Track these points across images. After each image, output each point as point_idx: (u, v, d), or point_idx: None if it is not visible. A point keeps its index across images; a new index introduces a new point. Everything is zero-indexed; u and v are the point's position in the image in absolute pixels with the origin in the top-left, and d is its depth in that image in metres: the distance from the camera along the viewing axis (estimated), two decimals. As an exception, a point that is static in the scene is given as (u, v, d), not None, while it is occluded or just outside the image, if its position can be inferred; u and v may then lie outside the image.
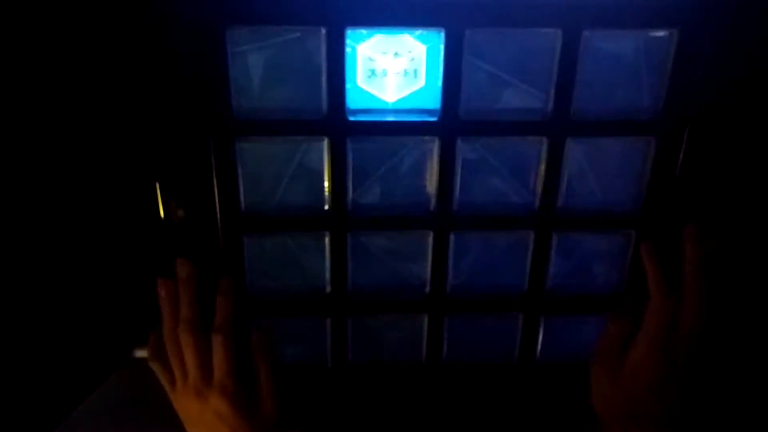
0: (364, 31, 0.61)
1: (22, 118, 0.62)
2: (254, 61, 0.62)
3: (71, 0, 0.58)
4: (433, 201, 0.67)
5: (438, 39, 0.61)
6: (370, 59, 0.62)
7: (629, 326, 0.63)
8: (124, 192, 0.66)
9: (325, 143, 0.64)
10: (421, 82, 0.63)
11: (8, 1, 0.57)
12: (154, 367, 0.67)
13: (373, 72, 0.62)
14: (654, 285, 0.62)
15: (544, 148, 0.65)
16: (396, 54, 0.62)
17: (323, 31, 0.60)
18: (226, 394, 0.63)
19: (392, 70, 0.62)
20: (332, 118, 0.63)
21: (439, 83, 0.62)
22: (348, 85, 0.62)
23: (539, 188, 0.67)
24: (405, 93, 0.63)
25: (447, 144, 0.64)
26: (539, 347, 0.75)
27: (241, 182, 0.65)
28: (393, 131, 0.65)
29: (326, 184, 0.66)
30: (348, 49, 0.61)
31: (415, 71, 0.62)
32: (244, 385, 0.64)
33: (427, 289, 0.72)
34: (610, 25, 0.61)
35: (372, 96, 0.63)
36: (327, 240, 0.69)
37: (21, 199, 0.65)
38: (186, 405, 0.65)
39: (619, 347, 0.63)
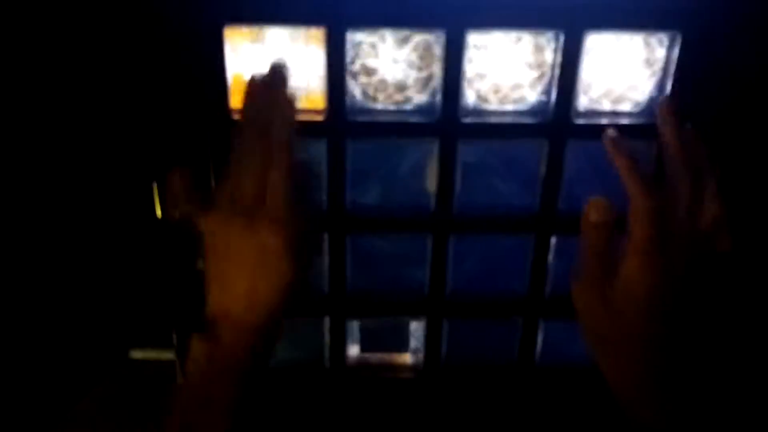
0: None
1: (21, 119, 0.61)
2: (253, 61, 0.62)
3: (70, 1, 0.57)
4: (432, 203, 0.67)
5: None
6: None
7: (610, 235, 0.54)
8: (121, 192, 0.65)
9: (324, 144, 0.64)
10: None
11: (8, 2, 0.57)
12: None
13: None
14: (631, 183, 0.53)
15: (545, 150, 0.65)
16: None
17: (323, 30, 0.59)
18: (280, 229, 0.52)
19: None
20: (332, 119, 0.62)
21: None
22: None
23: (540, 190, 0.67)
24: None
25: (447, 145, 0.64)
26: (539, 350, 0.75)
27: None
28: (393, 133, 0.64)
29: (325, 185, 0.66)
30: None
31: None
32: (296, 224, 0.54)
33: (426, 291, 0.71)
34: (613, 27, 0.60)
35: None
36: (325, 241, 0.68)
37: (18, 201, 0.64)
38: (224, 233, 0.54)
39: (603, 261, 0.54)
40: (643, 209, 0.52)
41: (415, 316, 0.73)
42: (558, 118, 0.63)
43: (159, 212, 0.65)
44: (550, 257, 0.70)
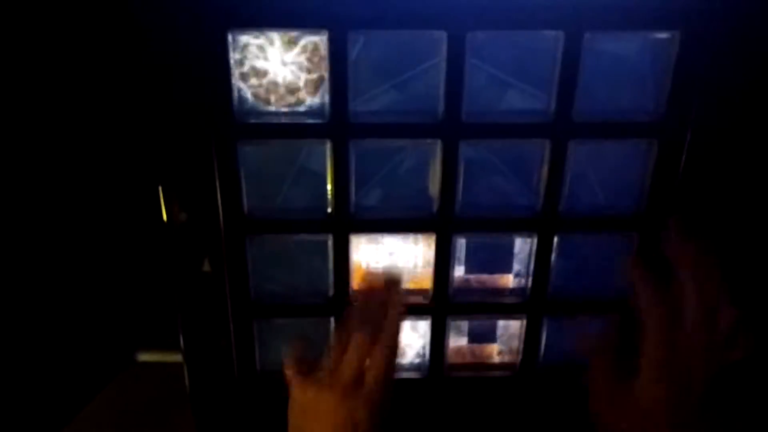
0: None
1: (26, 124, 0.62)
2: (256, 65, 0.62)
3: (74, 4, 0.58)
4: (435, 203, 0.67)
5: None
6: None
7: (619, 343, 0.59)
8: (127, 195, 0.66)
9: (328, 146, 0.64)
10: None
11: (11, 4, 0.57)
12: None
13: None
14: (646, 302, 0.56)
15: (547, 150, 0.65)
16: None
17: (325, 33, 0.60)
18: (373, 403, 0.60)
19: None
20: (335, 120, 0.63)
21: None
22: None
23: (542, 190, 0.67)
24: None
25: (449, 146, 0.64)
26: (542, 350, 0.75)
27: (243, 185, 0.66)
28: (395, 133, 0.65)
29: (329, 186, 0.66)
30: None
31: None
32: (387, 398, 0.62)
33: (430, 291, 0.72)
34: (612, 26, 0.61)
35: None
36: (330, 242, 0.69)
37: (24, 204, 0.65)
38: (318, 400, 0.61)
39: (614, 368, 0.59)
40: (655, 323, 0.55)
41: (420, 316, 0.73)
42: (560, 118, 0.64)
43: (164, 216, 0.66)
44: (553, 256, 0.70)
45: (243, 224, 0.67)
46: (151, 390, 0.78)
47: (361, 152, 0.65)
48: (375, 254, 0.71)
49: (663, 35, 0.62)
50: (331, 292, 0.71)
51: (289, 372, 0.64)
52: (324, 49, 0.61)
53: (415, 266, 0.71)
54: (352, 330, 0.62)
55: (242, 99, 0.63)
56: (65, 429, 0.75)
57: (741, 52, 0.61)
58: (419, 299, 0.71)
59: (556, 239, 0.70)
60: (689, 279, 0.55)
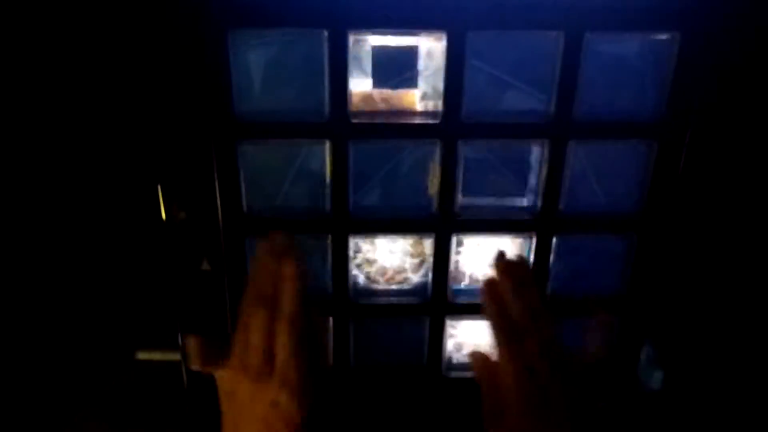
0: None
1: (25, 124, 0.62)
2: (256, 64, 0.62)
3: (73, 4, 0.58)
4: (434, 203, 0.67)
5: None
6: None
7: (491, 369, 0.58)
8: (126, 194, 0.66)
9: (327, 146, 0.64)
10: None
11: (12, 5, 0.57)
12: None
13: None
14: (492, 326, 0.57)
15: (546, 150, 0.65)
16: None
17: (325, 33, 0.60)
18: (288, 384, 0.56)
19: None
20: (334, 120, 0.63)
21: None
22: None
23: (541, 191, 0.67)
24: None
25: (449, 146, 0.64)
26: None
27: (242, 184, 0.65)
28: (395, 134, 0.65)
29: (328, 186, 0.66)
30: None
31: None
32: (304, 372, 0.57)
33: (429, 292, 0.72)
34: (612, 27, 0.61)
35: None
36: (329, 242, 0.69)
37: (24, 203, 0.65)
38: (236, 387, 0.58)
39: (495, 404, 0.57)
40: (507, 357, 0.56)
41: (418, 316, 0.73)
42: (559, 119, 0.63)
43: (163, 215, 0.66)
44: (552, 256, 0.70)
45: (242, 223, 0.67)
46: (150, 389, 0.78)
47: (360, 152, 0.65)
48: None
49: (663, 36, 0.62)
50: (329, 292, 0.71)
51: (195, 367, 0.61)
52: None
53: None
54: (250, 309, 0.57)
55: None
56: (64, 428, 0.75)
57: (740, 53, 0.61)
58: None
59: (555, 240, 0.70)
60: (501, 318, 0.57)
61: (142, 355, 0.76)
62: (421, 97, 0.65)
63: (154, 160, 0.64)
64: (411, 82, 0.65)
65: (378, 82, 0.65)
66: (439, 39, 0.61)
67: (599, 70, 0.63)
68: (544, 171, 0.66)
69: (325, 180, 0.66)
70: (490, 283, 0.59)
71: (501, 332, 0.57)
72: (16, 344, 0.70)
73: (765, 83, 0.62)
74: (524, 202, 0.68)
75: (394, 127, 0.64)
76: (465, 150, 0.65)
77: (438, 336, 0.74)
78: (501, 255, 0.60)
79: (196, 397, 0.74)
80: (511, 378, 0.55)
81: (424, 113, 0.64)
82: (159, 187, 0.65)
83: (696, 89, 0.63)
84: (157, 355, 0.78)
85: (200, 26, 0.59)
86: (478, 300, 0.59)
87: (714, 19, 0.60)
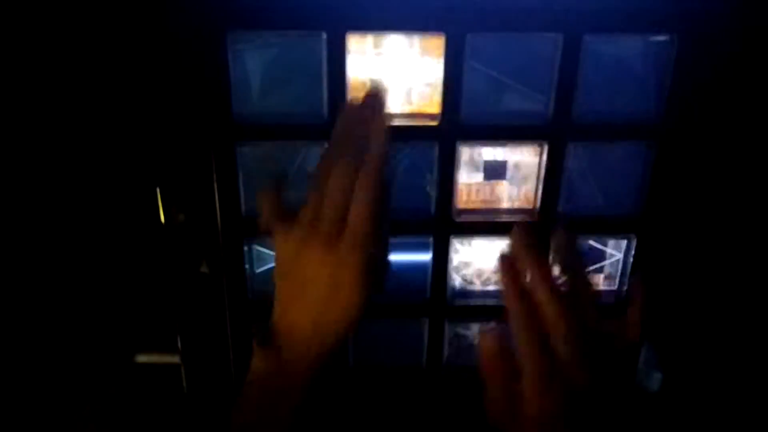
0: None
1: (27, 126, 0.62)
2: (255, 66, 0.62)
3: (72, 5, 0.58)
4: (433, 205, 0.67)
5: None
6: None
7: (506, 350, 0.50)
8: (125, 197, 0.66)
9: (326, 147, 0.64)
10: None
11: (11, 6, 0.57)
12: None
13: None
14: (508, 301, 0.50)
15: (545, 152, 0.65)
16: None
17: (324, 35, 0.60)
18: (356, 258, 0.50)
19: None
20: (333, 122, 0.63)
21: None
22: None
23: (540, 193, 0.67)
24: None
25: (447, 148, 0.64)
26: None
27: (241, 186, 0.65)
28: (394, 135, 0.64)
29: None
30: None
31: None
32: (371, 254, 0.52)
33: (428, 293, 0.72)
34: (611, 29, 0.61)
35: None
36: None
37: (23, 206, 0.65)
38: (299, 254, 0.52)
39: (504, 372, 0.50)
40: (528, 346, 0.48)
41: (417, 317, 0.73)
42: (558, 120, 0.63)
43: (162, 217, 0.66)
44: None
45: (241, 226, 0.67)
46: (150, 392, 0.78)
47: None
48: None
49: (662, 38, 0.62)
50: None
51: (266, 225, 0.54)
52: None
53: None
54: (329, 165, 0.52)
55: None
56: (64, 428, 0.75)
57: (739, 55, 0.61)
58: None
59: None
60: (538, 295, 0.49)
61: (141, 358, 0.76)
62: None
63: (152, 162, 0.64)
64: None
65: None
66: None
67: (598, 71, 0.63)
68: (543, 172, 0.66)
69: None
70: (508, 261, 0.50)
71: (518, 315, 0.49)
72: (16, 347, 0.70)
73: (763, 84, 0.62)
74: (524, 204, 0.68)
75: (393, 129, 0.64)
76: (464, 151, 0.65)
77: (437, 337, 0.74)
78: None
79: (196, 400, 0.74)
80: (529, 367, 0.48)
81: (423, 115, 0.64)
82: (158, 190, 0.65)
83: (695, 91, 0.63)
84: (156, 358, 0.78)
85: (199, 28, 0.59)
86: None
87: (712, 21, 0.60)
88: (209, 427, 0.75)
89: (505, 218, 0.68)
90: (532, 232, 0.50)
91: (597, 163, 0.67)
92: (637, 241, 0.69)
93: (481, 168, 0.68)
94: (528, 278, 0.49)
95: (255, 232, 0.67)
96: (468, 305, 0.73)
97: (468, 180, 0.68)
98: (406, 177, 0.67)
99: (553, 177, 0.66)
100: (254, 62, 0.63)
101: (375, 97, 0.52)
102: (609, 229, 0.70)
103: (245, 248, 0.68)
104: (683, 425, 0.79)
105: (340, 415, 0.78)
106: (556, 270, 0.50)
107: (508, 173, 0.68)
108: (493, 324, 0.53)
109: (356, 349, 0.75)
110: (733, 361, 0.76)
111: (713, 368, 0.76)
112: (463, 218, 0.68)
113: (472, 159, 0.67)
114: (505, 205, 0.69)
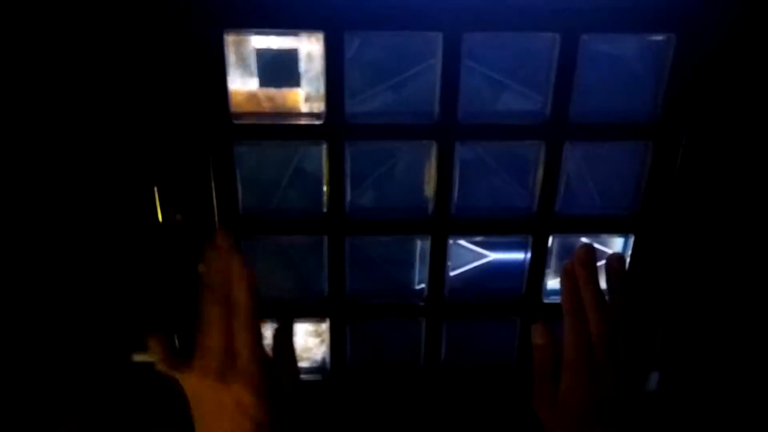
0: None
1: (23, 125, 0.62)
2: (252, 66, 0.62)
3: (70, 6, 0.58)
4: (431, 204, 0.67)
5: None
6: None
7: (553, 355, 0.61)
8: (122, 196, 0.66)
9: (324, 147, 0.64)
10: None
11: (9, 5, 0.57)
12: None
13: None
14: (565, 304, 0.60)
15: (542, 151, 0.65)
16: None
17: (321, 35, 0.60)
18: (251, 383, 0.57)
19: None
20: (331, 121, 0.63)
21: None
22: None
23: (537, 192, 0.67)
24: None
25: (445, 147, 0.64)
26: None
27: (239, 186, 0.65)
28: (391, 134, 0.65)
29: (324, 187, 0.66)
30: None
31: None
32: (267, 371, 0.59)
33: (426, 293, 0.72)
34: (608, 29, 0.61)
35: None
36: (325, 243, 0.69)
37: (20, 205, 0.65)
38: (201, 389, 0.59)
39: (550, 368, 0.61)
40: (569, 327, 0.59)
41: (415, 317, 0.73)
42: (555, 120, 0.63)
43: (160, 217, 0.65)
44: (549, 258, 0.71)
45: (238, 225, 0.67)
46: (146, 391, 0.78)
47: (356, 153, 0.65)
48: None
49: (659, 37, 0.62)
50: (326, 293, 0.71)
51: (161, 369, 0.61)
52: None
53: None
54: (207, 310, 0.58)
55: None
56: (60, 430, 0.75)
57: (736, 55, 0.61)
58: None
59: (551, 240, 0.70)
60: (590, 299, 0.59)
61: (138, 358, 0.76)
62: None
63: (150, 162, 0.64)
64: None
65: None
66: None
67: (595, 71, 0.63)
68: (541, 172, 0.66)
69: (321, 181, 0.66)
70: (569, 269, 0.60)
71: (570, 313, 0.59)
72: (12, 346, 0.70)
73: (761, 84, 0.63)
74: (521, 203, 0.68)
75: (391, 129, 0.64)
76: (461, 151, 0.65)
77: (435, 338, 0.74)
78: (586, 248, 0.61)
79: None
80: (571, 357, 0.58)
81: (417, 114, 0.64)
82: (155, 190, 0.65)
83: (692, 90, 0.63)
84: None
85: (197, 28, 0.59)
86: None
87: (710, 20, 0.60)
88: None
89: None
90: (591, 253, 0.59)
91: (594, 163, 0.67)
92: (635, 240, 0.69)
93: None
94: (581, 287, 0.58)
95: (252, 232, 0.68)
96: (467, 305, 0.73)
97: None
98: (403, 175, 0.67)
99: (550, 176, 0.66)
100: (251, 62, 0.63)
101: (221, 244, 0.59)
102: (606, 228, 0.70)
103: (242, 248, 0.68)
104: (681, 424, 0.79)
105: (338, 415, 0.78)
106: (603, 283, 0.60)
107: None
108: (541, 322, 0.62)
109: (353, 349, 0.75)
110: (730, 361, 0.76)
111: (710, 367, 0.77)
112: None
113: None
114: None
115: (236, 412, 0.57)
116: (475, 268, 0.73)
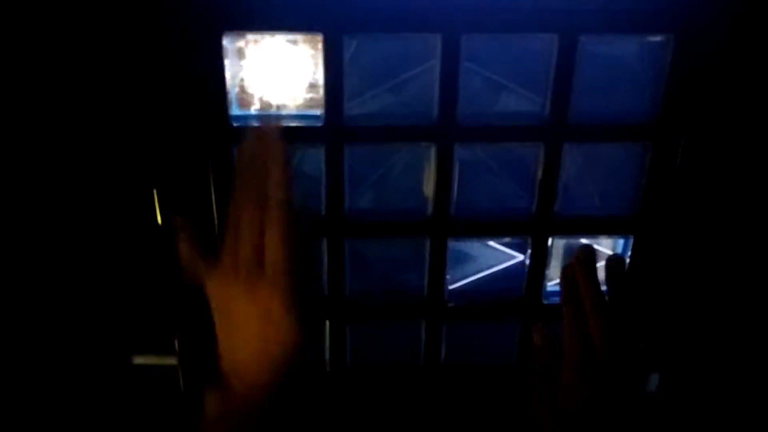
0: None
1: (22, 127, 0.62)
2: (251, 68, 0.62)
3: (69, 7, 0.58)
4: (430, 206, 0.67)
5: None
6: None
7: (555, 356, 0.61)
8: (122, 199, 0.66)
9: (322, 149, 0.64)
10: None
11: (8, 7, 0.57)
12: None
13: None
14: (564, 305, 0.59)
15: (542, 152, 0.65)
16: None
17: (320, 37, 0.60)
18: (281, 291, 0.51)
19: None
20: (330, 123, 0.63)
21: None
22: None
23: (536, 193, 0.67)
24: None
25: (444, 149, 0.64)
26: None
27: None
28: (390, 136, 0.65)
29: (323, 189, 0.66)
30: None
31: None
32: (298, 283, 0.53)
33: (425, 294, 0.72)
34: (607, 29, 0.61)
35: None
36: (324, 245, 0.69)
37: (19, 208, 0.65)
38: (226, 296, 0.54)
39: (551, 369, 0.61)
40: (569, 329, 0.58)
41: (414, 319, 0.73)
42: (554, 121, 0.63)
43: (159, 218, 0.65)
44: (548, 260, 0.70)
45: (238, 227, 0.67)
46: (147, 393, 0.78)
47: (355, 155, 0.65)
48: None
49: (658, 38, 0.62)
50: (325, 293, 0.71)
51: (189, 270, 0.56)
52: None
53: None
54: (238, 204, 0.53)
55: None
56: (61, 431, 0.75)
57: (735, 55, 0.61)
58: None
59: (550, 242, 0.70)
60: (590, 301, 0.59)
61: (138, 360, 0.76)
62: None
63: (149, 164, 0.64)
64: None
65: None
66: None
67: (594, 72, 0.63)
68: (540, 173, 0.66)
69: (320, 183, 0.66)
70: (568, 271, 0.60)
71: (571, 314, 0.59)
72: (12, 348, 0.70)
73: (759, 84, 0.62)
74: (520, 204, 0.68)
75: (391, 131, 0.64)
76: (460, 152, 0.65)
77: (435, 339, 0.74)
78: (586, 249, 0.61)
79: (193, 402, 0.74)
80: (571, 358, 0.58)
81: (416, 116, 0.64)
82: (155, 192, 0.65)
83: (691, 91, 0.63)
84: (153, 360, 0.78)
85: (195, 30, 0.59)
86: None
87: (708, 21, 0.60)
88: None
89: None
90: (591, 254, 0.59)
91: (593, 164, 0.67)
92: (634, 242, 0.69)
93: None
94: (581, 288, 0.58)
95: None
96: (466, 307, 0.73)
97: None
98: (402, 177, 0.67)
99: (549, 177, 0.66)
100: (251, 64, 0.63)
101: (267, 131, 0.54)
102: (606, 229, 0.70)
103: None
104: (680, 425, 0.79)
105: (338, 416, 0.78)
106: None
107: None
108: (541, 324, 0.63)
109: (353, 351, 0.75)
110: (730, 362, 0.76)
111: (710, 369, 0.77)
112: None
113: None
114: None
115: (263, 324, 0.52)
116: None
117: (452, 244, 0.70)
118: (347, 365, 0.75)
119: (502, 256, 0.73)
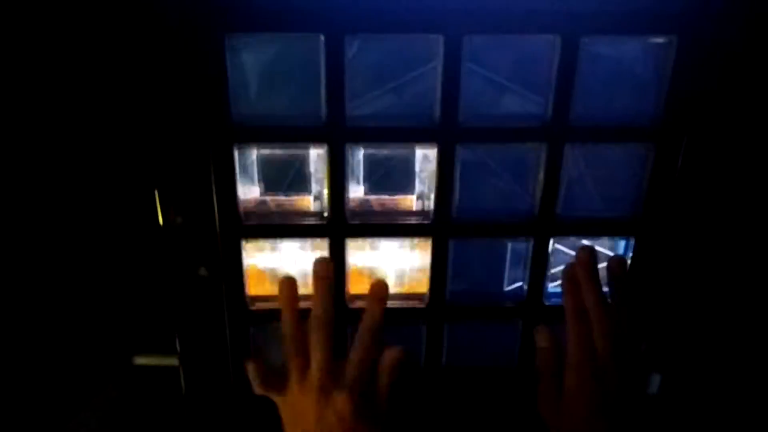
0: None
1: (23, 128, 0.62)
2: (253, 68, 0.62)
3: (70, 8, 0.58)
4: (432, 207, 0.67)
5: (436, 45, 0.60)
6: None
7: (557, 357, 0.63)
8: (123, 199, 0.66)
9: (325, 150, 0.64)
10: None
11: (9, 7, 0.57)
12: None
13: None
14: (567, 306, 0.62)
15: (543, 154, 0.65)
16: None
17: (321, 37, 0.60)
18: (353, 398, 0.60)
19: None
20: (331, 124, 0.63)
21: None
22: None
23: (539, 194, 0.67)
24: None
25: (446, 150, 0.64)
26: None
27: (239, 189, 0.65)
28: (392, 137, 0.65)
29: (325, 190, 0.66)
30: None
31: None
32: (366, 388, 0.63)
33: (427, 296, 0.72)
34: (609, 31, 0.61)
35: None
36: (327, 247, 0.69)
37: (21, 208, 0.65)
38: (302, 405, 0.62)
39: (553, 369, 0.63)
40: (572, 330, 0.61)
41: (416, 321, 0.73)
42: (556, 122, 0.63)
43: (160, 220, 0.65)
44: (550, 261, 0.70)
45: (239, 228, 0.67)
46: (148, 393, 0.78)
47: (357, 156, 0.65)
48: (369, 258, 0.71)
49: (660, 40, 0.62)
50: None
51: (260, 392, 0.65)
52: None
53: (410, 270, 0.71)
54: (309, 329, 0.63)
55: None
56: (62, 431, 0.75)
57: (738, 57, 0.61)
58: (415, 303, 0.71)
59: (552, 243, 0.69)
60: (592, 301, 0.62)
61: (140, 360, 0.76)
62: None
63: (151, 164, 0.64)
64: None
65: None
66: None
67: (596, 73, 0.63)
68: (542, 174, 0.66)
69: (321, 183, 0.66)
70: (571, 271, 0.63)
71: (573, 315, 0.61)
72: (14, 348, 0.70)
73: (762, 86, 0.62)
74: (522, 205, 0.68)
75: (392, 132, 0.64)
76: (462, 153, 0.65)
77: (436, 340, 0.74)
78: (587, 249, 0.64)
79: (195, 403, 0.74)
80: (574, 358, 0.60)
81: (418, 117, 0.64)
82: (156, 192, 0.65)
83: (693, 92, 0.63)
84: (154, 360, 0.78)
85: (197, 31, 0.59)
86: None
87: (711, 23, 0.60)
88: (208, 429, 0.75)
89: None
90: (592, 255, 0.62)
91: (596, 165, 0.67)
92: (636, 243, 0.69)
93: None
94: (583, 289, 0.61)
95: (253, 235, 0.68)
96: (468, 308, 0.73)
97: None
98: (404, 179, 0.67)
99: (551, 179, 0.66)
100: (252, 64, 0.63)
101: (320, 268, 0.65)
102: (607, 230, 0.70)
103: (243, 251, 0.68)
104: (682, 427, 0.79)
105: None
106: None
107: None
108: (543, 325, 0.66)
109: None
110: (732, 363, 0.76)
111: (712, 370, 0.76)
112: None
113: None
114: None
115: (335, 425, 0.60)
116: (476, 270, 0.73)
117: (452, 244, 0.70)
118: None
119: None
